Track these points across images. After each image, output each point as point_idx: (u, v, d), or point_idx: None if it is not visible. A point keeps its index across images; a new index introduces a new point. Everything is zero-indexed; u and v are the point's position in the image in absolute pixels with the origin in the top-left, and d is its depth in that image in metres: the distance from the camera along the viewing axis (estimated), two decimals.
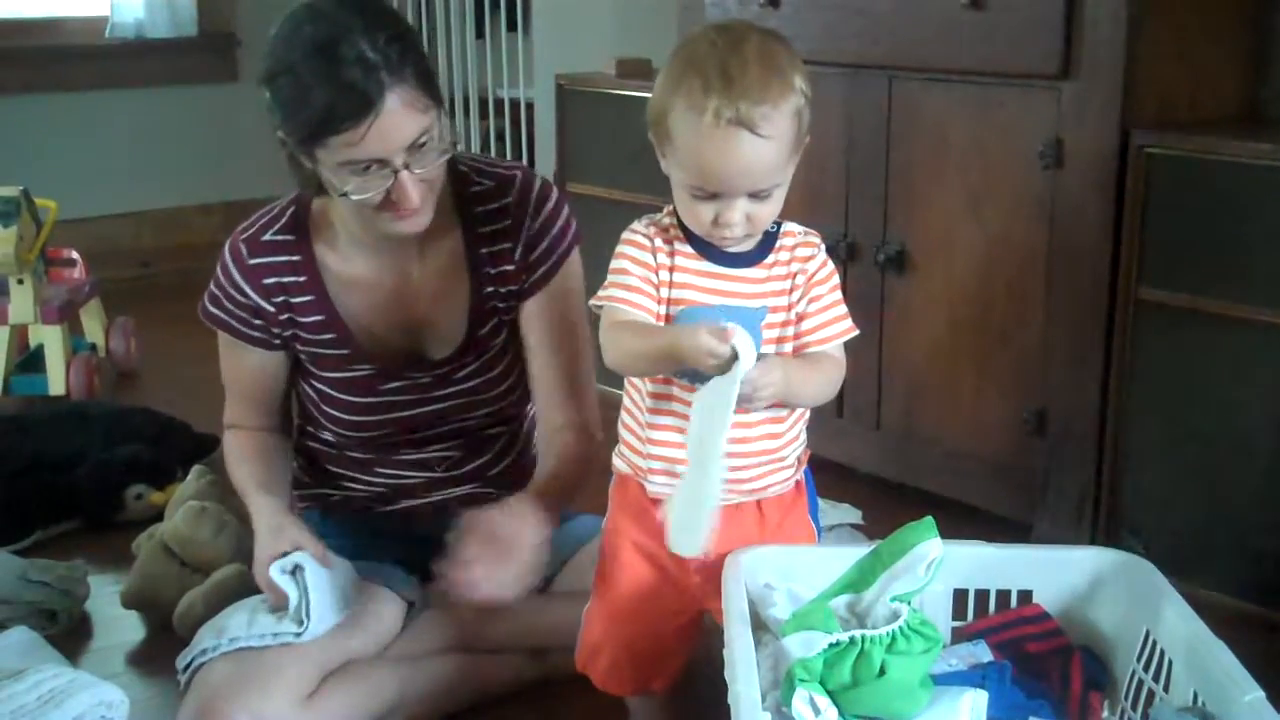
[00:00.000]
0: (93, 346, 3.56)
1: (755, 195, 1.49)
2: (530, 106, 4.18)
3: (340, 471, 2.00)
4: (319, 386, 1.93)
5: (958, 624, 1.66)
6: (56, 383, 3.29)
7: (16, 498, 2.55)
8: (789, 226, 1.59)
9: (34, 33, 4.62)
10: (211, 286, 1.90)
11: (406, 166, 1.67)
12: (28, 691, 1.77)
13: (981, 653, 1.59)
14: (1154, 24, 2.22)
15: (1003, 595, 1.65)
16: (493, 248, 1.88)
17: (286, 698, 1.71)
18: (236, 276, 1.87)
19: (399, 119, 1.63)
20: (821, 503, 2.62)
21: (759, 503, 1.62)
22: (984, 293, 2.47)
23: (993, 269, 2.45)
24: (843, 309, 1.61)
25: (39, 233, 3.34)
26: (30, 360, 3.36)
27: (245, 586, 2.11)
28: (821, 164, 2.69)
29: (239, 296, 1.87)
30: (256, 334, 1.89)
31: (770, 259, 1.56)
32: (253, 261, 1.86)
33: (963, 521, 2.49)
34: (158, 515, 2.45)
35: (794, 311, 1.57)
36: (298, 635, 1.75)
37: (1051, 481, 2.41)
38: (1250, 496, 2.16)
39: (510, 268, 1.88)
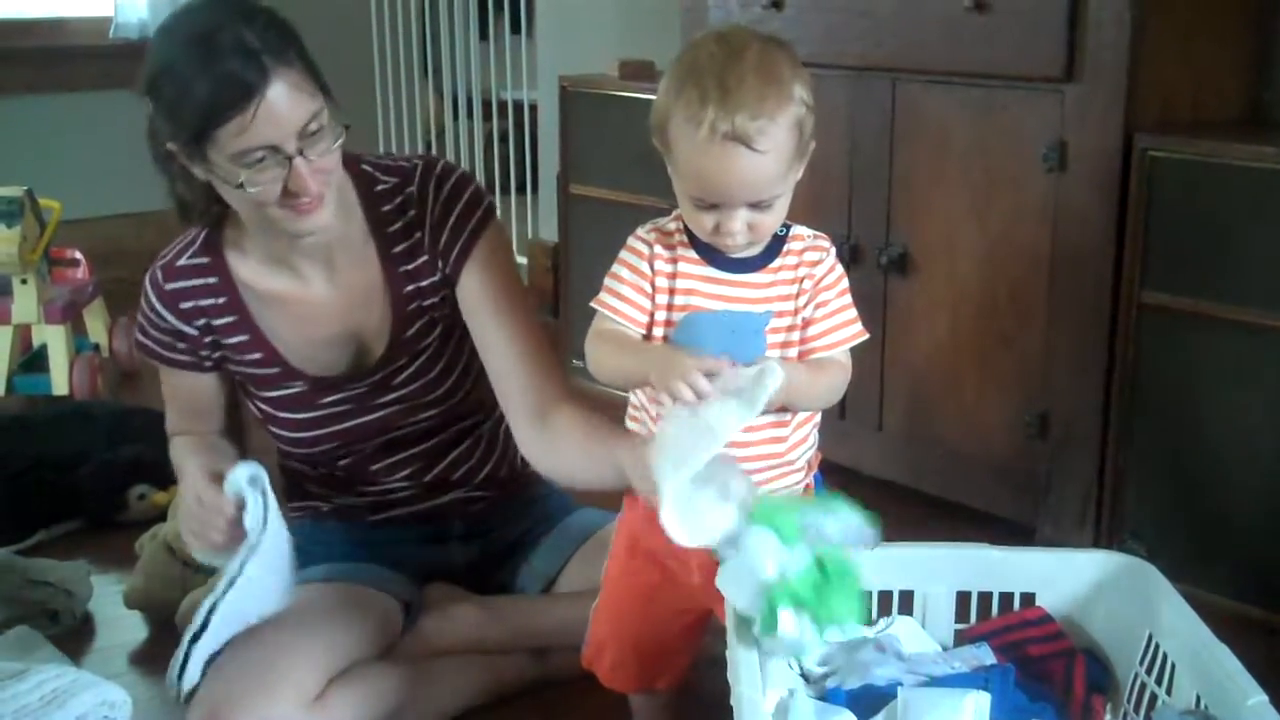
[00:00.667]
0: (96, 346, 3.56)
1: (756, 205, 1.48)
2: (534, 108, 4.18)
3: (323, 491, 2.00)
4: (259, 405, 1.93)
5: (960, 626, 1.67)
6: (59, 383, 3.29)
7: (19, 497, 2.56)
8: (798, 230, 1.58)
9: (38, 33, 4.62)
10: (139, 316, 1.90)
11: (301, 153, 1.64)
12: (30, 691, 1.78)
13: (984, 655, 1.59)
14: (1157, 27, 2.22)
15: (1005, 598, 1.65)
16: (405, 243, 1.85)
17: (293, 701, 1.71)
18: (155, 303, 1.87)
19: (287, 102, 1.62)
20: None
21: None
22: (987, 295, 2.48)
23: (995, 271, 2.45)
24: (851, 314, 1.59)
25: (43, 233, 3.34)
26: (33, 360, 3.37)
27: None
28: (824, 166, 2.69)
29: (160, 323, 1.87)
30: (184, 358, 1.90)
31: (776, 263, 1.55)
32: (169, 286, 1.86)
33: (965, 524, 2.50)
34: (160, 515, 2.45)
35: (800, 316, 1.56)
36: (254, 547, 1.68)
37: (1054, 484, 2.41)
38: (1252, 500, 2.16)
39: (425, 258, 1.85)
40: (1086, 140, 2.27)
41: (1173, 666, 1.45)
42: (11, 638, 2.04)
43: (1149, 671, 1.50)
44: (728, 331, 1.52)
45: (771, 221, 1.51)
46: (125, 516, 2.58)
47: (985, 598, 1.65)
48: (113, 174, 4.57)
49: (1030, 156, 2.34)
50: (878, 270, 2.62)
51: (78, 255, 3.69)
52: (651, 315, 1.56)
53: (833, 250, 1.59)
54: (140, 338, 1.92)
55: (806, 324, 1.56)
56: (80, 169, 4.46)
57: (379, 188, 1.86)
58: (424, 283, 1.86)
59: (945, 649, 1.65)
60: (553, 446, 1.77)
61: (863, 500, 2.66)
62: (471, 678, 1.92)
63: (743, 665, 1.37)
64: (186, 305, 1.86)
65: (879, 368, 2.67)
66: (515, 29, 4.36)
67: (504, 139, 4.47)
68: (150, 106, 1.67)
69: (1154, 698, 1.48)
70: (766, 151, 1.43)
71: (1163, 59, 2.25)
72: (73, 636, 2.18)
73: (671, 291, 1.55)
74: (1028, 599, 1.65)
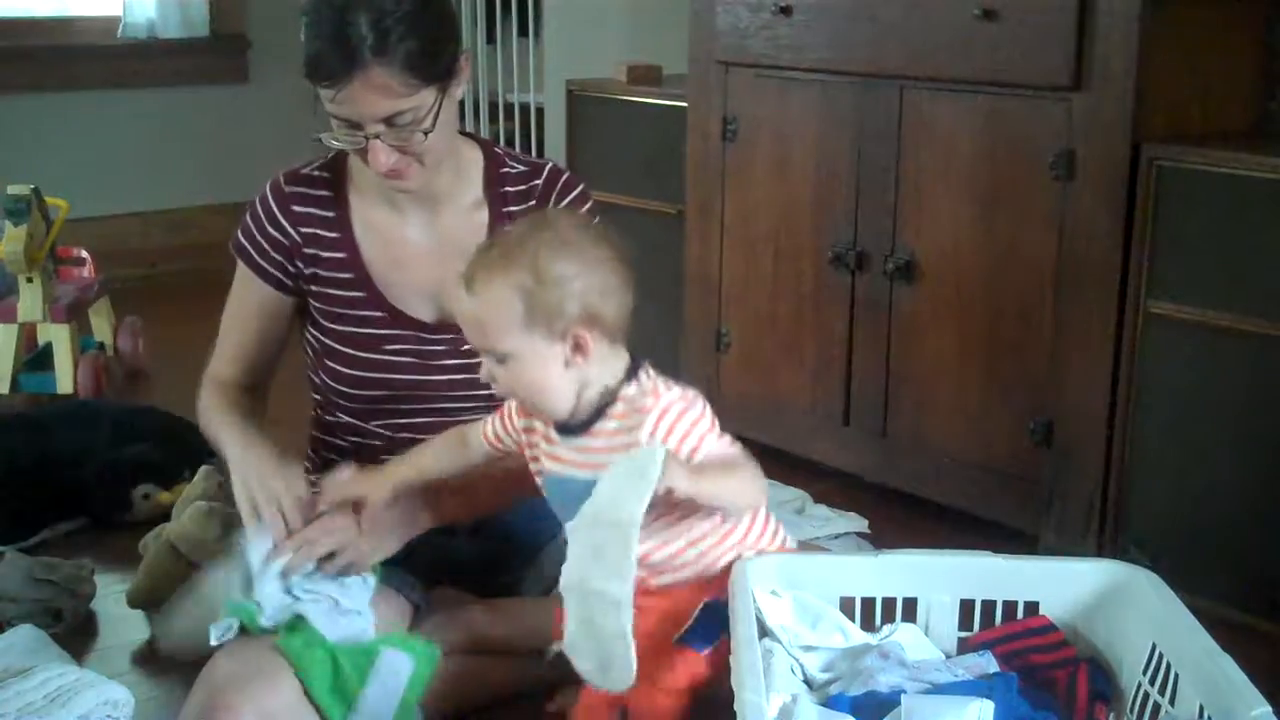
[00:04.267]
0: (101, 345, 3.57)
1: (493, 357, 1.56)
2: (540, 111, 4.19)
3: (345, 462, 2.00)
4: (324, 339, 1.96)
5: (964, 634, 1.66)
6: (64, 381, 3.29)
7: (23, 496, 2.56)
8: (626, 392, 1.56)
9: (46, 31, 4.62)
10: (246, 218, 1.97)
11: (378, 136, 1.75)
12: (35, 690, 1.78)
13: (988, 664, 1.59)
14: (1165, 37, 2.22)
15: (1009, 606, 1.65)
16: None
17: (293, 693, 1.70)
18: (270, 200, 1.94)
19: (369, 96, 1.71)
20: (826, 510, 2.63)
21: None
22: (992, 303, 2.48)
23: (1002, 280, 2.45)
24: (707, 442, 1.54)
25: (49, 231, 3.34)
26: (39, 358, 3.37)
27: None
28: (831, 172, 2.69)
29: (267, 223, 1.94)
30: (272, 269, 1.94)
31: (596, 427, 1.57)
32: (288, 188, 1.94)
33: (968, 532, 2.50)
34: (165, 515, 2.44)
35: None
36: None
37: (1057, 492, 2.41)
38: (1257, 510, 2.16)
39: None
40: (1094, 149, 2.27)
41: (1176, 676, 1.45)
42: (15, 636, 2.04)
43: (1152, 681, 1.49)
44: (561, 493, 1.60)
45: (508, 379, 1.57)
46: (129, 516, 2.59)
47: (989, 606, 1.65)
48: (119, 173, 4.61)
49: (1037, 165, 2.35)
50: (883, 277, 2.62)
51: (84, 254, 3.69)
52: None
53: (665, 408, 1.54)
54: (240, 236, 1.96)
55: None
56: (87, 168, 4.47)
57: (505, 170, 1.97)
58: None
59: (949, 657, 1.65)
60: None
61: (865, 506, 2.67)
62: (474, 677, 1.92)
63: (746, 670, 1.37)
64: (299, 209, 1.94)
65: (884, 375, 2.67)
66: (523, 32, 4.36)
67: (510, 142, 4.47)
68: None
69: (1157, 707, 1.47)
70: (476, 296, 1.54)
71: (1170, 68, 2.26)
72: (76, 635, 2.18)
73: (532, 446, 1.66)
74: (1032, 607, 1.65)
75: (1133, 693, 1.53)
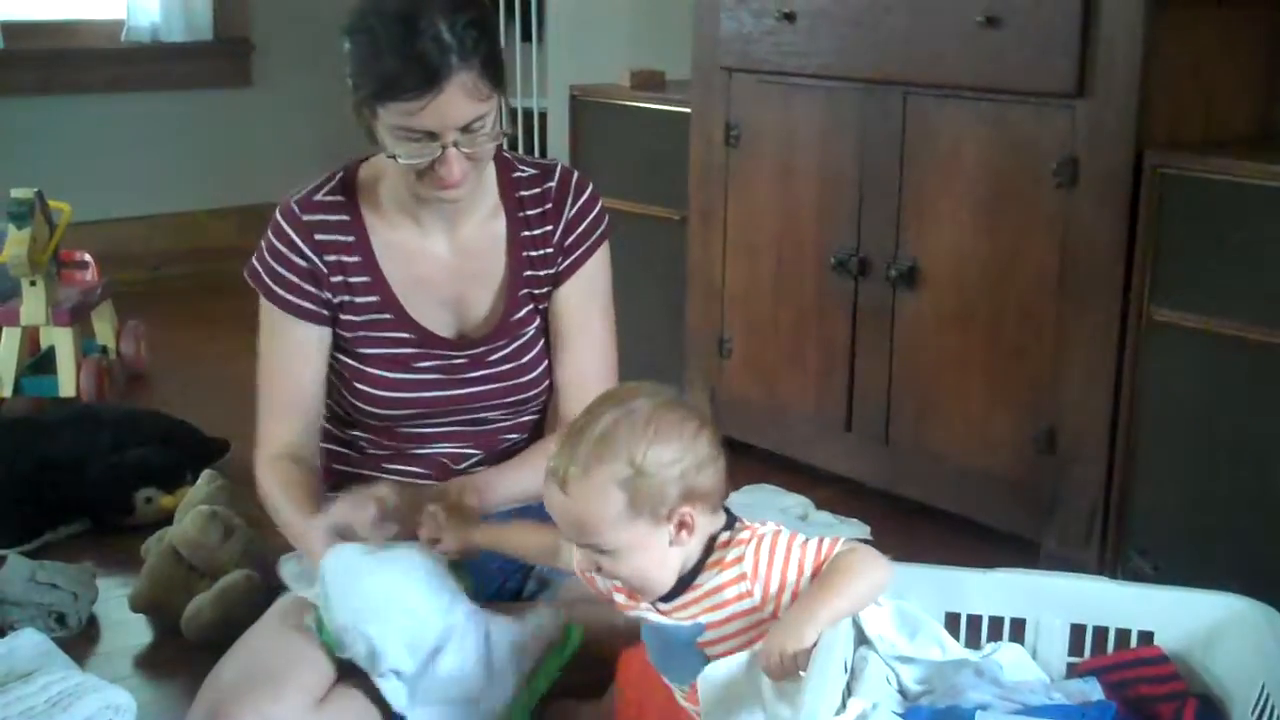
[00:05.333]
0: (104, 349, 3.57)
1: (595, 550, 1.52)
2: (544, 116, 4.19)
3: (354, 471, 2.00)
4: (352, 363, 1.93)
5: (1074, 660, 1.63)
6: (67, 384, 3.29)
7: (26, 499, 2.56)
8: (723, 537, 1.56)
9: (50, 35, 4.63)
10: (265, 254, 1.90)
11: (456, 144, 1.74)
12: (36, 694, 1.78)
13: (1091, 690, 1.55)
14: (1169, 44, 2.23)
15: (1122, 634, 1.61)
16: (535, 230, 1.95)
17: (297, 701, 1.70)
18: (291, 233, 1.89)
19: (458, 102, 1.70)
20: (829, 517, 2.63)
21: None
22: (995, 310, 2.48)
23: (1004, 286, 2.45)
24: (811, 550, 1.53)
25: (52, 235, 3.35)
26: (41, 362, 3.37)
27: (253, 591, 2.12)
28: (835, 179, 2.70)
29: (294, 257, 1.88)
30: (308, 304, 1.89)
31: (696, 581, 1.55)
32: (306, 217, 1.89)
33: (970, 538, 2.49)
34: (167, 519, 2.45)
35: (780, 604, 1.52)
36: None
37: (1060, 499, 2.41)
38: (1260, 518, 2.16)
39: (550, 250, 1.96)
40: (1097, 156, 2.27)
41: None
42: (18, 639, 2.04)
43: None
44: (661, 641, 1.59)
45: (614, 568, 1.53)
46: (132, 520, 2.59)
47: (1101, 632, 1.61)
48: (122, 177, 4.61)
49: (1040, 172, 2.35)
50: (886, 283, 2.62)
51: (87, 257, 3.69)
52: None
53: (762, 535, 1.55)
54: (267, 282, 1.89)
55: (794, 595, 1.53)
56: (90, 171, 4.47)
57: (516, 174, 1.96)
58: (541, 272, 1.96)
59: (1053, 681, 1.61)
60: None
61: (867, 513, 2.66)
62: None
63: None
64: (322, 238, 1.89)
65: (886, 381, 2.67)
66: (526, 37, 4.36)
67: (513, 147, 4.47)
68: (345, 46, 1.76)
69: None
70: (575, 499, 1.50)
71: (1174, 76, 2.26)
72: (78, 639, 2.19)
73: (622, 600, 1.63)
74: (1146, 636, 1.61)
75: None
